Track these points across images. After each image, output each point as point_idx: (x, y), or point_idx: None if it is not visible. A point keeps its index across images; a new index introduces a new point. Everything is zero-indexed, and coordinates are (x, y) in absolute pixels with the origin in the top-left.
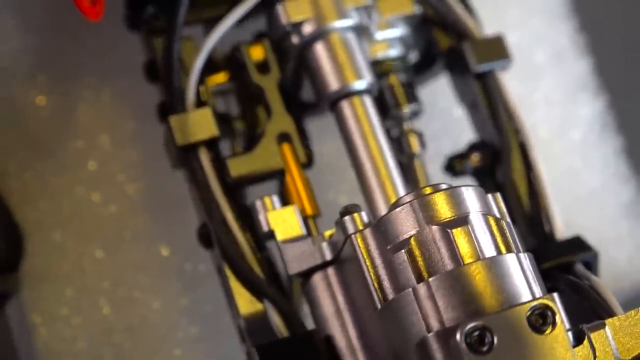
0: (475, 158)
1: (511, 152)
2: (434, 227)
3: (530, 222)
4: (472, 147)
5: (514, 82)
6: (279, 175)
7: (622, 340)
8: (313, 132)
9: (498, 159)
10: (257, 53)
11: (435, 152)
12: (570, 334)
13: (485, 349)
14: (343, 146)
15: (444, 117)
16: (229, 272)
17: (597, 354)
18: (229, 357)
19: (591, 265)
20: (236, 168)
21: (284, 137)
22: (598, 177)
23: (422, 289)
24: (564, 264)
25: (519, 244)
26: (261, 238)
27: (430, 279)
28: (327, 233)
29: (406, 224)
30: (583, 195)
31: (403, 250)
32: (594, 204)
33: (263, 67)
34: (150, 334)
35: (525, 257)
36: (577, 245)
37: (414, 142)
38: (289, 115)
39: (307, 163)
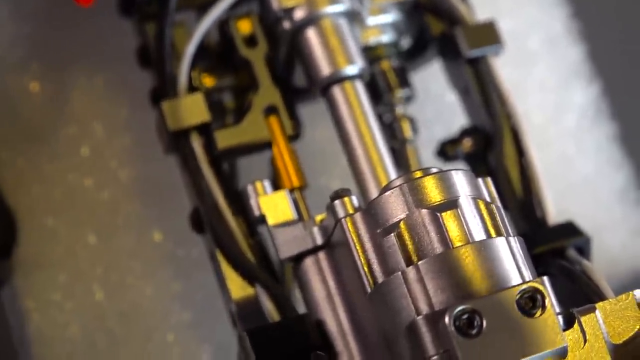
0: (467, 143)
1: (503, 137)
2: (424, 211)
3: (522, 207)
4: (464, 133)
5: (507, 69)
6: (266, 147)
7: (613, 324)
8: (305, 119)
9: (490, 144)
10: (244, 27)
11: (428, 137)
12: (560, 317)
13: (474, 332)
14: (335, 131)
15: (437, 103)
16: (220, 257)
17: (587, 338)
18: (221, 342)
19: (584, 250)
20: (223, 140)
21: (271, 110)
22: (591, 163)
23: (411, 272)
24: (556, 249)
25: (509, 228)
26: (253, 223)
27: (420, 263)
28: (318, 217)
29: (396, 208)
30: (576, 182)
31: (392, 234)
32: (587, 190)
33: (250, 41)
34: (143, 320)
35: (515, 241)
36: (569, 230)
37: (406, 127)
38: (276, 87)
39: (294, 135)
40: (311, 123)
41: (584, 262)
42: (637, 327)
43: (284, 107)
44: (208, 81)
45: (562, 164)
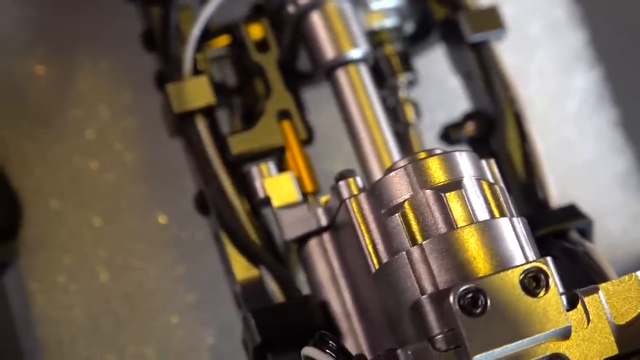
0: (470, 127)
1: (506, 121)
2: (428, 191)
3: (524, 190)
4: (468, 117)
5: (509, 54)
6: (279, 152)
7: (616, 305)
8: (310, 103)
9: (493, 128)
10: (256, 32)
11: (431, 122)
12: (563, 297)
13: (478, 311)
14: (339, 116)
15: (440, 88)
16: (225, 239)
17: (590, 318)
18: (225, 324)
19: (586, 232)
20: (237, 145)
21: (284, 114)
22: (593, 148)
23: (415, 252)
24: (559, 231)
25: (512, 209)
26: (257, 205)
27: (424, 242)
28: (323, 199)
29: (400, 188)
30: (577, 167)
31: (397, 214)
32: (588, 175)
33: (262, 45)
34: (148, 302)
35: (518, 222)
36: (572, 212)
37: (409, 111)
38: (289, 92)
39: (307, 139)
40: (315, 108)
41: (587, 244)
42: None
43: (297, 111)
44: (218, 41)
45: (564, 149)
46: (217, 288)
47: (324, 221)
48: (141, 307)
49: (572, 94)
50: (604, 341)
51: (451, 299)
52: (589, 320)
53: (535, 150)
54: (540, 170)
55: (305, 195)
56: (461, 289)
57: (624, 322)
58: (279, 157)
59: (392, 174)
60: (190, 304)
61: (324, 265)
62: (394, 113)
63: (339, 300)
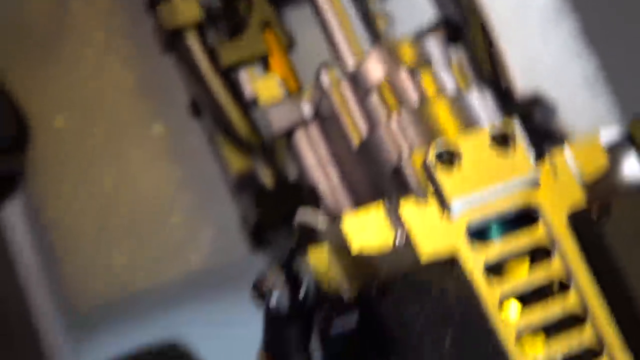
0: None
1: (471, 27)
2: (402, 70)
3: (489, 82)
4: (435, 25)
5: None
6: (264, 60)
7: (582, 164)
8: (293, 24)
9: (459, 35)
10: None
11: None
12: (531, 153)
13: (453, 165)
14: (321, 37)
15: (409, 1)
16: (219, 137)
17: (557, 171)
18: (224, 221)
19: (549, 119)
20: (227, 55)
21: (266, 24)
22: (556, 57)
23: (393, 123)
24: (523, 117)
25: (480, 83)
26: (247, 106)
27: (401, 114)
28: (307, 93)
29: (376, 70)
30: (542, 75)
31: (375, 94)
32: (552, 81)
33: None
34: (150, 205)
35: (486, 95)
36: (535, 100)
37: (380, 21)
38: (269, 5)
39: (288, 46)
40: (299, 30)
41: (551, 124)
42: (604, 166)
43: (276, 21)
44: None
45: (527, 61)
46: (215, 190)
47: (308, 112)
48: (145, 210)
49: (534, 7)
50: (572, 193)
51: (429, 155)
52: (556, 173)
53: (500, 53)
54: (505, 67)
55: (290, 94)
56: (436, 148)
57: (589, 181)
58: (264, 65)
59: (367, 58)
60: (190, 205)
61: (311, 152)
62: (366, 24)
63: (327, 182)
